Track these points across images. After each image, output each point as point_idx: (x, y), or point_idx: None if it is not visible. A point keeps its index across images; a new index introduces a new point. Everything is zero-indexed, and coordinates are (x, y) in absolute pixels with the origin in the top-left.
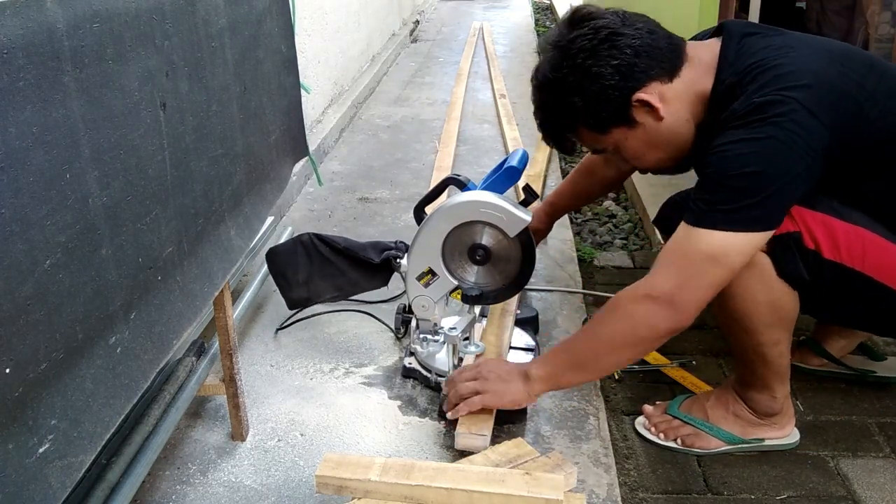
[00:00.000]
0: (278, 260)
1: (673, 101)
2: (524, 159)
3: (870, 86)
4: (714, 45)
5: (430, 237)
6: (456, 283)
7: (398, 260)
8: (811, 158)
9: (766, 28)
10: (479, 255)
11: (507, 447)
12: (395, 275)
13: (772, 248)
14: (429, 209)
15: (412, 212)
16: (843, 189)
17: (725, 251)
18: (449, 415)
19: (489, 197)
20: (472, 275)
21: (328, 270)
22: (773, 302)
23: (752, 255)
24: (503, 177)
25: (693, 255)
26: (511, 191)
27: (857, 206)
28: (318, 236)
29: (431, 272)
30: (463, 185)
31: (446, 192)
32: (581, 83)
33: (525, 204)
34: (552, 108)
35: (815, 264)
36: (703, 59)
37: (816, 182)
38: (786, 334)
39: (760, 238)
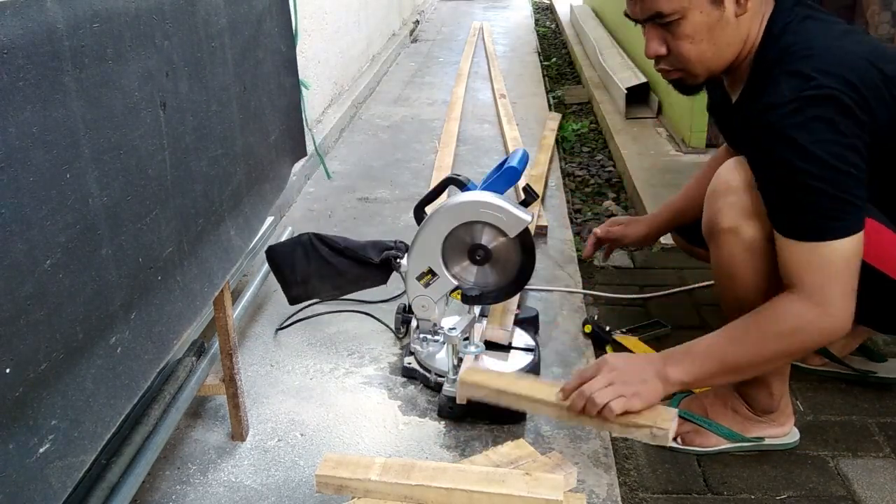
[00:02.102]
0: (277, 258)
1: (752, 9)
2: (524, 160)
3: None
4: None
5: (430, 237)
6: (456, 283)
7: (398, 260)
8: (861, 125)
9: (812, 7)
10: (478, 255)
11: (509, 448)
12: (396, 275)
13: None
14: (429, 209)
15: (412, 212)
16: None
17: (853, 252)
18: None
19: (489, 197)
20: (472, 275)
21: (326, 271)
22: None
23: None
24: (503, 177)
25: (832, 267)
26: (511, 191)
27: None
28: (318, 236)
29: (431, 272)
30: (463, 185)
31: (446, 192)
32: None
33: (525, 204)
34: None
35: None
36: (763, 7)
37: None
38: None
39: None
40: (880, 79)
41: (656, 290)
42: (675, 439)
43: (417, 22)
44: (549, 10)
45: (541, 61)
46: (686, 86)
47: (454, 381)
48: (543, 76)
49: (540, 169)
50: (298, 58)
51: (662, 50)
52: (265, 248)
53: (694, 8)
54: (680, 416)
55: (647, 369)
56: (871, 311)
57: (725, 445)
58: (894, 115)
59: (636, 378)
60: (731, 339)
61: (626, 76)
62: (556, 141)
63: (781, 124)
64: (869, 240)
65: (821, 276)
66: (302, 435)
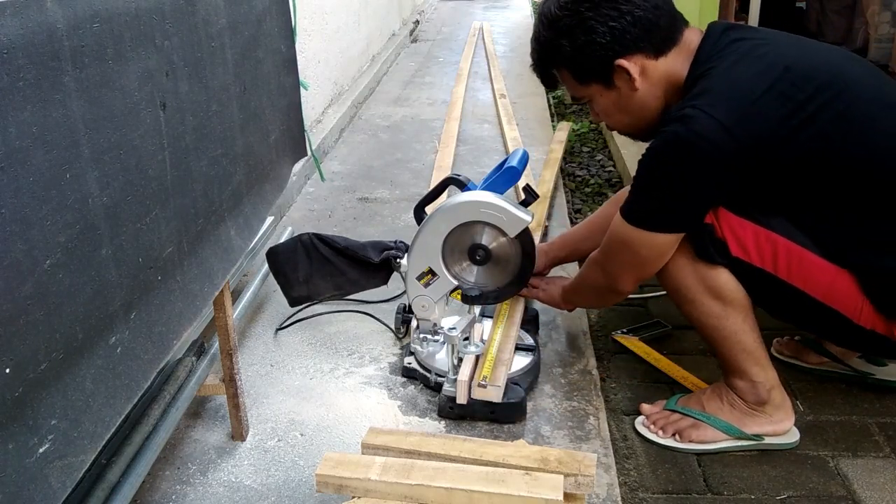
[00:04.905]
0: (278, 259)
1: (651, 77)
2: (524, 159)
3: (812, 108)
4: (699, 36)
5: (430, 237)
6: (456, 283)
7: (398, 260)
8: (719, 169)
9: (745, 29)
10: (479, 255)
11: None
12: (395, 275)
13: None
14: (429, 209)
15: (412, 212)
16: (771, 200)
17: (639, 243)
18: (524, 291)
19: (489, 197)
20: (472, 275)
21: (328, 270)
22: (697, 270)
23: (664, 250)
24: (503, 177)
25: (614, 238)
26: (511, 191)
27: (788, 216)
28: (318, 236)
29: (431, 272)
30: (463, 185)
31: (446, 192)
32: (574, 30)
33: (525, 204)
34: (543, 41)
35: (725, 256)
36: (690, 47)
37: (742, 190)
38: (734, 311)
39: (672, 238)
40: (790, 95)
41: (656, 290)
42: (672, 436)
43: (417, 22)
44: None
45: None
46: (635, 138)
47: (454, 381)
48: None
49: (545, 187)
50: (298, 58)
51: (598, 119)
52: (265, 248)
53: (595, 94)
54: (678, 412)
55: (558, 293)
56: (803, 322)
57: (725, 443)
58: (799, 130)
59: (552, 290)
60: (574, 288)
61: None
62: None
63: (656, 135)
64: (782, 259)
65: (610, 245)
66: (302, 435)
